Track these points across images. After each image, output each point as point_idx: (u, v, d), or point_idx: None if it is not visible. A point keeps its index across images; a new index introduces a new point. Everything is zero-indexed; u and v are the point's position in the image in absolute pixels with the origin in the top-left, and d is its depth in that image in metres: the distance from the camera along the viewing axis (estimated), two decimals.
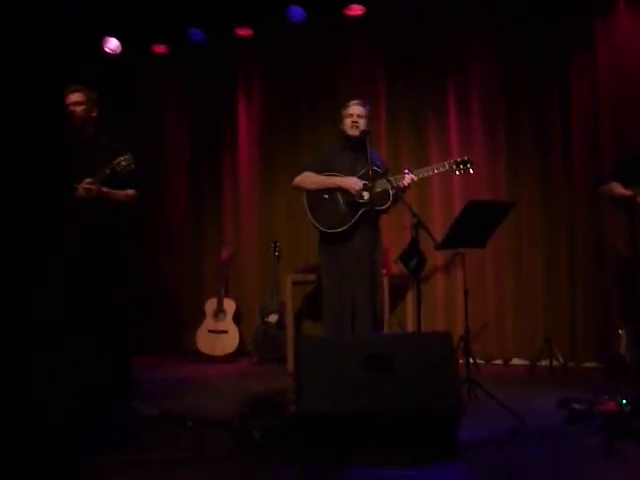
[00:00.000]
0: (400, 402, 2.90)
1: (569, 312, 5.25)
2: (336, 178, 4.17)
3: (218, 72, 6.41)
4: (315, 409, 2.87)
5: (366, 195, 4.04)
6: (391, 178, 4.01)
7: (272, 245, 5.99)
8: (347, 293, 4.15)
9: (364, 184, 4.05)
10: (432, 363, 3.00)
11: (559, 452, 2.98)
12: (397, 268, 5.19)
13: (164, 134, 6.63)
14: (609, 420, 3.19)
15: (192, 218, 6.55)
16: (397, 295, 5.49)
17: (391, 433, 2.86)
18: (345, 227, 4.10)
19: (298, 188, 4.34)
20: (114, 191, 3.80)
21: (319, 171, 4.25)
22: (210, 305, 6.01)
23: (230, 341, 5.90)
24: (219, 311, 5.98)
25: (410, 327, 5.34)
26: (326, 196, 4.17)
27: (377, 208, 4.05)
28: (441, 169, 4.13)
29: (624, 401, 3.19)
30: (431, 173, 4.17)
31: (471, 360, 4.47)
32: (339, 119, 4.29)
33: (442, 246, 3.77)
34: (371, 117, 4.45)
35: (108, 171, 3.67)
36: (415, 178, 4.08)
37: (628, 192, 4.26)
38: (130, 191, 3.90)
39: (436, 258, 5.49)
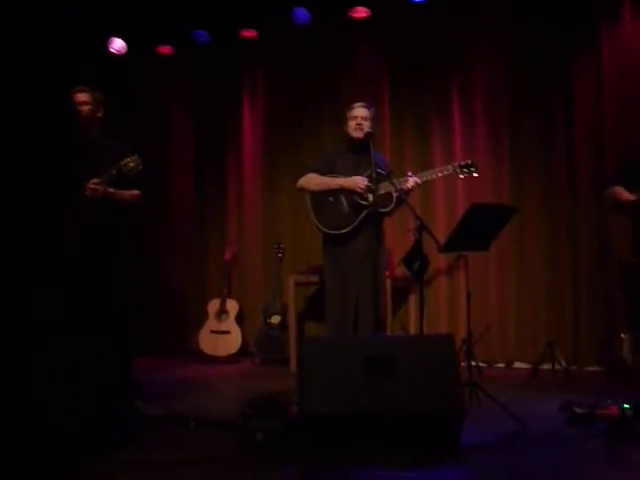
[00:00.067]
0: (402, 404, 2.91)
1: (572, 316, 5.24)
2: (340, 179, 4.17)
3: (223, 73, 6.42)
4: (317, 410, 2.88)
5: (369, 197, 4.04)
6: (395, 181, 4.01)
7: (275, 246, 6.00)
8: (350, 295, 4.16)
9: (367, 186, 4.05)
10: (434, 365, 3.01)
11: (561, 456, 2.98)
12: (400, 270, 5.19)
13: (169, 134, 6.64)
14: (611, 424, 3.19)
15: (196, 219, 6.56)
16: (400, 297, 5.50)
17: (393, 435, 2.87)
18: (348, 229, 4.11)
19: (302, 190, 4.34)
20: (120, 191, 3.81)
21: (323, 173, 4.26)
22: (213, 306, 6.02)
23: (233, 342, 5.90)
24: (222, 312, 5.99)
25: (412, 329, 5.34)
26: (330, 198, 4.18)
27: (380, 210, 4.06)
28: (445, 172, 4.14)
29: (626, 405, 3.19)
30: (435, 176, 4.18)
31: (473, 363, 4.47)
32: (343, 121, 4.30)
33: (445, 249, 3.77)
34: (375, 119, 4.45)
35: (115, 172, 3.68)
36: (419, 181, 4.08)
37: (632, 197, 4.26)
38: (135, 191, 3.92)
39: (439, 261, 5.49)
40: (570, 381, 4.79)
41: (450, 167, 4.14)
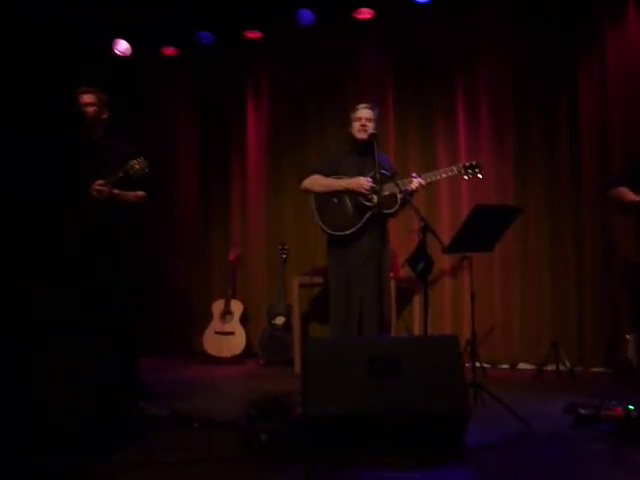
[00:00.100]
0: (406, 405, 2.91)
1: (576, 316, 5.24)
2: (343, 181, 4.17)
3: (227, 74, 6.43)
4: (322, 411, 2.88)
5: (374, 198, 4.04)
6: (399, 182, 4.02)
7: (279, 247, 6.01)
8: (354, 296, 4.16)
9: (372, 187, 4.06)
10: (438, 366, 3.01)
11: (565, 457, 2.98)
12: (404, 271, 5.18)
13: (173, 136, 6.65)
14: (616, 425, 3.19)
15: (200, 220, 6.57)
16: (404, 298, 5.50)
17: (397, 436, 2.87)
18: (352, 230, 4.11)
19: (306, 191, 4.35)
20: (125, 192, 3.83)
21: (327, 174, 4.26)
22: (217, 307, 6.02)
23: (237, 343, 5.91)
24: (226, 313, 5.99)
25: (417, 331, 5.34)
26: (334, 199, 4.18)
27: (385, 211, 4.06)
28: (449, 173, 4.15)
29: (631, 406, 3.18)
30: (439, 177, 4.18)
31: (478, 364, 4.47)
32: (347, 122, 4.30)
33: (449, 250, 3.77)
34: (379, 121, 4.46)
35: (121, 174, 3.70)
36: (423, 182, 4.08)
37: (637, 197, 4.26)
38: (140, 192, 3.93)
39: (443, 262, 5.49)
40: (575, 382, 4.79)
41: (454, 168, 4.14)
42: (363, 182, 4.08)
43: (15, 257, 4.03)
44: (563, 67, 5.31)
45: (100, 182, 3.71)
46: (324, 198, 4.23)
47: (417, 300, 5.37)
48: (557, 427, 3.37)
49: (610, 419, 3.27)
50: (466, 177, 4.14)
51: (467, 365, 4.42)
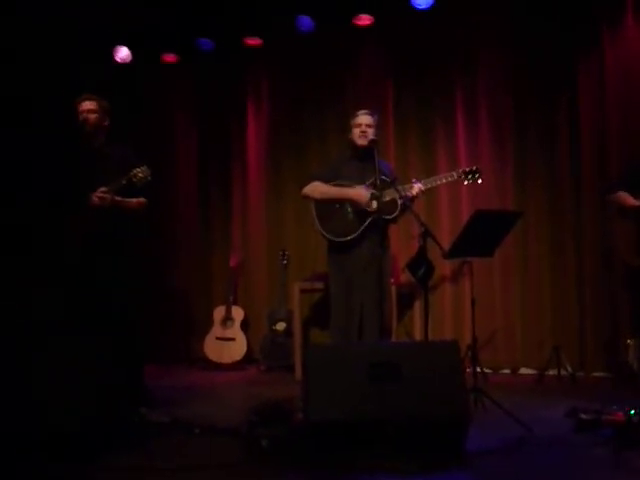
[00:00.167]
0: (407, 410, 2.91)
1: (577, 321, 5.23)
2: (344, 190, 4.18)
3: (227, 81, 6.44)
4: (323, 416, 2.88)
5: (374, 204, 4.05)
6: (399, 187, 4.03)
7: (280, 253, 6.01)
8: (355, 302, 4.16)
9: (372, 193, 4.07)
10: (439, 372, 3.01)
11: (567, 462, 2.97)
12: (405, 277, 5.19)
13: (173, 142, 6.66)
14: (617, 430, 3.18)
15: (201, 225, 6.57)
16: (405, 304, 5.50)
17: (398, 441, 2.87)
18: (353, 236, 4.12)
19: (307, 198, 4.35)
20: (127, 200, 3.84)
21: (327, 180, 4.27)
22: (218, 313, 6.03)
23: (238, 349, 5.91)
24: (227, 319, 6.00)
25: (418, 336, 5.34)
26: (335, 205, 4.19)
27: (385, 217, 4.07)
28: (449, 179, 4.16)
29: (632, 411, 3.18)
30: (439, 183, 4.20)
31: (479, 369, 4.47)
32: (347, 128, 4.32)
33: (450, 255, 3.78)
34: (379, 126, 4.48)
35: (124, 181, 3.71)
36: (423, 188, 4.10)
37: (637, 202, 4.26)
38: (141, 199, 3.94)
39: (444, 267, 5.49)
40: (576, 387, 4.78)
41: (454, 173, 4.16)
42: (362, 196, 4.08)
43: (15, 257, 4.04)
44: (562, 70, 5.32)
45: (103, 189, 3.72)
46: (325, 204, 4.24)
47: (418, 305, 5.37)
48: (558, 432, 3.37)
49: (611, 424, 3.26)
50: (466, 182, 4.16)
51: (468, 370, 4.41)
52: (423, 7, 5.49)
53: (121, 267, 3.92)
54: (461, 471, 2.85)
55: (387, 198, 4.04)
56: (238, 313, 6.02)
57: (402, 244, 5.50)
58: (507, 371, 5.44)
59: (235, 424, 3.37)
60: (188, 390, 4.93)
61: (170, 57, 6.41)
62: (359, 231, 4.11)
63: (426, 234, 3.58)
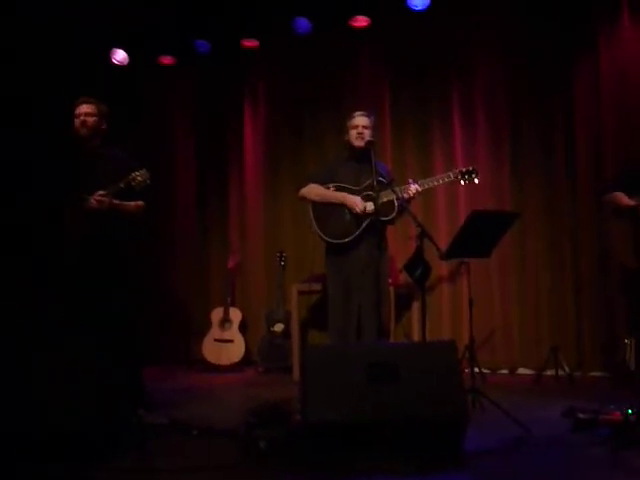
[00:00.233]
0: (405, 411, 2.91)
1: (575, 321, 5.25)
2: (340, 194, 4.19)
3: (224, 83, 6.45)
4: (321, 417, 2.88)
5: (370, 206, 4.06)
6: (396, 189, 4.03)
7: (278, 254, 6.01)
8: (353, 303, 4.17)
9: (368, 194, 4.08)
10: (437, 372, 3.01)
11: (564, 462, 2.98)
12: (403, 278, 5.20)
13: (171, 145, 6.65)
14: (614, 429, 3.19)
15: (199, 228, 6.57)
16: (403, 305, 5.50)
17: (396, 442, 2.87)
18: (350, 238, 4.12)
19: (304, 199, 4.37)
20: (125, 203, 3.84)
21: (324, 182, 4.28)
22: (216, 314, 6.03)
23: (236, 350, 5.91)
24: (225, 320, 6.00)
25: (416, 336, 5.34)
26: (332, 207, 4.20)
27: (382, 219, 4.07)
28: (446, 179, 4.17)
29: (629, 410, 3.18)
30: (436, 183, 4.20)
31: (477, 370, 4.48)
32: (344, 130, 4.33)
33: (447, 256, 3.79)
34: (376, 128, 4.49)
35: (123, 185, 3.70)
36: (419, 188, 4.10)
37: (632, 202, 4.27)
38: (140, 202, 3.94)
39: (441, 268, 5.50)
40: (574, 387, 4.79)
41: (451, 174, 4.17)
42: (356, 205, 4.09)
43: (14, 257, 4.04)
44: (558, 71, 5.34)
45: (101, 193, 3.71)
46: (322, 206, 4.24)
47: (416, 306, 5.37)
48: (556, 432, 3.38)
49: (609, 423, 3.27)
50: (463, 183, 4.17)
51: (466, 370, 4.42)
52: (419, 8, 5.50)
53: (119, 269, 3.92)
54: (459, 472, 2.85)
55: (384, 200, 4.03)
56: (236, 315, 6.02)
57: (400, 245, 5.50)
58: (505, 371, 5.45)
59: (233, 425, 3.37)
60: (186, 392, 4.93)
61: (167, 59, 6.41)
62: (356, 233, 4.12)
63: (423, 235, 3.58)
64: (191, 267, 6.52)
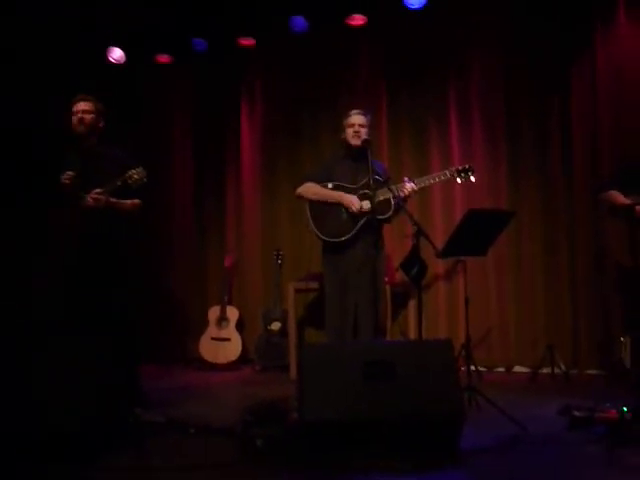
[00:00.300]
0: (401, 409, 2.92)
1: (571, 319, 5.26)
2: (336, 193, 4.20)
3: (221, 81, 6.44)
4: (317, 416, 2.89)
5: (367, 204, 4.06)
6: (392, 187, 4.04)
7: (275, 253, 6.02)
8: (349, 302, 4.18)
9: (365, 193, 4.08)
10: (433, 370, 3.03)
11: (560, 459, 2.99)
12: (399, 276, 5.21)
13: (168, 143, 6.65)
14: (610, 427, 3.20)
15: (196, 226, 6.57)
16: (399, 303, 5.51)
17: (392, 440, 2.88)
18: (347, 236, 4.13)
19: (300, 198, 4.37)
20: (122, 201, 3.84)
21: (321, 180, 4.28)
22: (213, 313, 6.03)
23: (233, 349, 5.91)
24: (222, 319, 6.00)
25: (412, 335, 5.35)
26: (329, 206, 4.20)
27: (379, 217, 4.08)
28: (442, 177, 4.17)
29: (625, 408, 3.20)
30: (433, 182, 4.21)
31: (473, 368, 4.49)
32: (341, 128, 4.33)
33: (443, 254, 3.79)
34: (373, 126, 4.49)
35: (120, 183, 3.70)
36: (415, 187, 4.11)
37: (628, 201, 4.28)
38: (136, 200, 3.94)
39: (437, 266, 5.51)
40: (569, 384, 4.80)
41: (447, 172, 4.17)
42: (352, 204, 4.10)
43: (15, 257, 4.04)
44: (555, 70, 5.34)
45: (97, 191, 3.71)
46: (319, 205, 4.25)
47: (412, 304, 5.37)
48: (552, 429, 3.39)
49: (604, 421, 3.28)
50: (459, 180, 4.17)
51: (462, 369, 4.43)
52: (416, 7, 5.50)
53: (116, 268, 3.92)
54: (455, 469, 2.87)
55: (381, 198, 4.04)
56: (233, 313, 6.02)
57: (396, 244, 5.51)
58: (501, 369, 5.46)
59: (230, 424, 3.38)
60: (183, 390, 4.93)
61: (164, 58, 6.41)
62: (353, 232, 4.12)
63: (419, 233, 3.59)
64: (189, 266, 6.52)
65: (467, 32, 5.58)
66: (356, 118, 4.24)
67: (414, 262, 3.63)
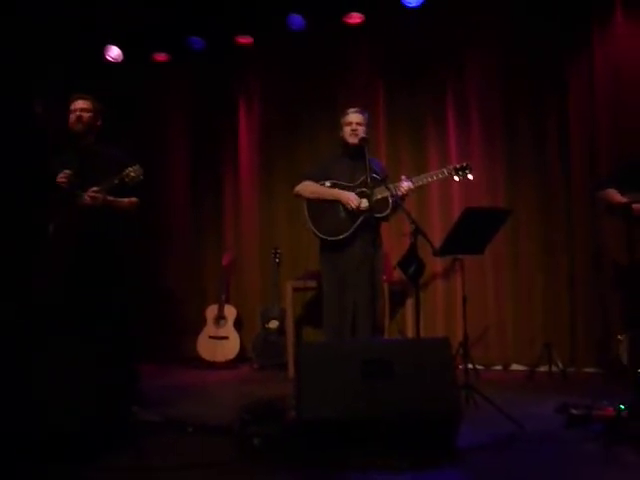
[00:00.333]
0: (399, 407, 2.92)
1: (568, 317, 5.27)
2: (334, 191, 4.20)
3: (219, 80, 6.44)
4: (315, 414, 2.89)
5: (365, 203, 4.07)
6: (390, 185, 4.04)
7: (273, 251, 6.02)
8: (347, 300, 4.18)
9: (363, 191, 4.09)
10: (430, 369, 3.03)
11: (557, 457, 3.00)
12: (397, 274, 5.21)
13: (165, 142, 6.65)
14: (607, 425, 3.21)
15: (193, 225, 6.57)
16: (397, 301, 5.52)
17: (390, 438, 2.89)
18: (345, 235, 4.13)
19: (298, 196, 4.37)
20: (119, 199, 3.84)
21: (319, 179, 4.28)
22: (211, 311, 6.03)
23: (231, 347, 5.92)
24: (220, 317, 6.00)
25: (410, 333, 5.36)
26: (327, 204, 4.20)
27: (377, 215, 4.08)
28: (440, 176, 4.17)
29: (622, 406, 3.20)
30: (430, 180, 4.21)
31: (470, 366, 4.50)
32: (338, 127, 4.33)
33: (440, 253, 3.79)
34: (371, 125, 4.49)
35: (117, 181, 3.70)
36: (412, 186, 4.12)
37: (624, 199, 4.29)
38: (133, 199, 3.94)
39: (435, 264, 5.51)
40: (567, 382, 4.81)
41: (445, 170, 4.18)
42: (351, 201, 4.10)
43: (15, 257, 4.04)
44: (552, 69, 5.35)
45: (94, 189, 3.71)
46: (317, 204, 4.25)
47: (410, 303, 5.38)
48: (549, 427, 3.40)
49: (601, 419, 3.30)
50: (457, 179, 4.18)
51: (460, 367, 4.43)
52: (413, 5, 5.51)
53: (114, 266, 3.92)
54: (452, 467, 2.87)
55: (378, 196, 4.04)
56: (231, 312, 6.02)
57: (394, 242, 5.51)
58: (499, 367, 5.46)
59: (227, 422, 3.37)
60: (181, 389, 4.93)
61: (162, 56, 6.41)
62: (351, 230, 4.12)
63: (417, 232, 3.59)
64: (186, 265, 6.52)
65: (465, 31, 5.58)
66: (354, 116, 4.23)
67: (412, 260, 3.63)
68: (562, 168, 5.32)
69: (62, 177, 3.71)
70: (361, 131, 4.20)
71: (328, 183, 4.26)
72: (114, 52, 6.16)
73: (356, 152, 4.15)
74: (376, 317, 4.13)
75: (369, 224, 4.03)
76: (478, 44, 5.58)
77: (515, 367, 5.42)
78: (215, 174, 6.52)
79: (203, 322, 6.03)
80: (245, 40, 6.18)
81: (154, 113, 6.62)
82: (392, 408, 2.92)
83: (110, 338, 3.56)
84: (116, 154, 3.93)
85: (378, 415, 2.91)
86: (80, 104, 3.90)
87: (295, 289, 5.47)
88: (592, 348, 5.13)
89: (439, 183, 5.14)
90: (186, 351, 6.23)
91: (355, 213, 4.11)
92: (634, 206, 4.20)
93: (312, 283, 5.24)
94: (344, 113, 4.30)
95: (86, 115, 3.89)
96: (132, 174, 3.71)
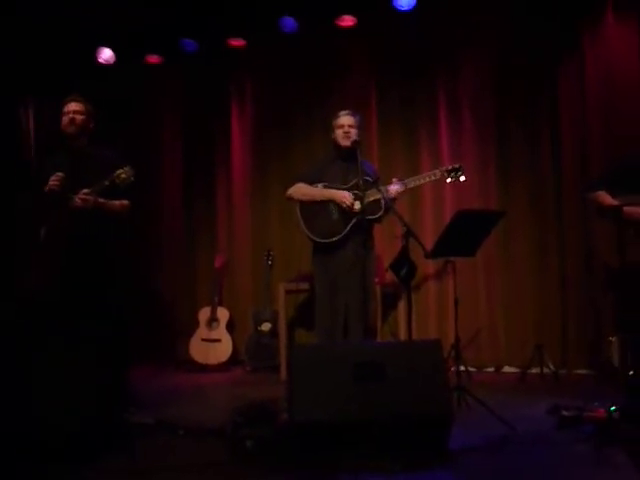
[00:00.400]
0: (391, 409, 2.93)
1: (560, 319, 5.28)
2: (327, 191, 4.21)
3: (211, 82, 6.43)
4: (307, 417, 2.89)
5: (357, 205, 4.07)
6: (382, 188, 4.05)
7: (265, 253, 6.02)
8: (339, 302, 4.19)
9: (355, 193, 4.10)
10: (422, 371, 3.04)
11: (549, 459, 3.01)
12: (390, 276, 5.21)
13: (157, 144, 6.63)
14: (598, 427, 3.22)
15: (186, 227, 6.55)
16: (389, 303, 5.52)
17: (382, 440, 2.89)
18: (338, 237, 4.14)
19: (291, 199, 4.37)
20: (110, 202, 3.82)
21: (312, 181, 4.29)
22: (203, 314, 6.02)
23: (223, 350, 5.91)
24: (212, 320, 5.99)
25: (402, 335, 5.36)
26: (319, 207, 4.21)
27: (369, 217, 4.09)
28: (432, 177, 4.19)
29: (613, 408, 3.22)
30: (423, 181, 4.22)
31: (462, 368, 4.50)
32: (330, 129, 4.34)
33: (432, 255, 3.80)
34: (363, 127, 4.50)
35: (107, 183, 3.69)
36: (400, 189, 4.15)
37: (615, 202, 4.30)
38: (125, 201, 3.93)
39: (427, 267, 5.52)
40: (558, 384, 4.83)
41: (437, 172, 4.20)
42: (345, 198, 4.11)
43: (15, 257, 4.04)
44: (544, 71, 5.36)
45: (85, 191, 3.69)
46: (309, 206, 4.26)
47: (402, 305, 5.38)
48: (541, 429, 3.41)
49: (593, 420, 3.31)
50: (449, 180, 4.20)
51: (452, 369, 4.44)
52: (405, 8, 5.52)
53: (105, 269, 3.90)
54: (444, 469, 2.88)
55: (370, 199, 4.05)
56: (223, 314, 6.01)
57: (386, 244, 5.51)
58: (491, 369, 5.47)
59: (220, 425, 3.37)
60: (173, 391, 4.92)
61: (154, 58, 6.39)
62: (344, 232, 4.13)
63: (408, 234, 3.60)
64: (179, 267, 6.50)
65: (457, 33, 5.60)
66: (345, 119, 4.24)
67: (404, 263, 3.64)
68: (554, 170, 5.34)
69: (54, 180, 3.70)
70: (353, 134, 4.21)
71: (320, 186, 4.27)
72: (106, 54, 6.14)
73: (348, 155, 4.16)
74: (368, 319, 4.14)
75: (361, 226, 4.03)
76: (470, 46, 5.60)
77: (507, 369, 5.43)
78: (208, 176, 6.51)
79: (196, 324, 6.02)
80: (238, 42, 6.17)
81: (147, 115, 6.61)
82: (384, 410, 2.93)
83: (103, 340, 3.55)
84: (108, 156, 3.92)
85: (370, 417, 2.91)
86: (73, 106, 3.89)
87: (287, 291, 5.47)
88: (583, 350, 5.15)
89: (431, 185, 5.16)
90: (179, 354, 6.21)
91: (348, 214, 4.11)
92: (625, 209, 4.22)
93: (304, 285, 5.24)
94: (336, 116, 4.31)
95: (79, 117, 3.88)
96: (123, 175, 3.69)
